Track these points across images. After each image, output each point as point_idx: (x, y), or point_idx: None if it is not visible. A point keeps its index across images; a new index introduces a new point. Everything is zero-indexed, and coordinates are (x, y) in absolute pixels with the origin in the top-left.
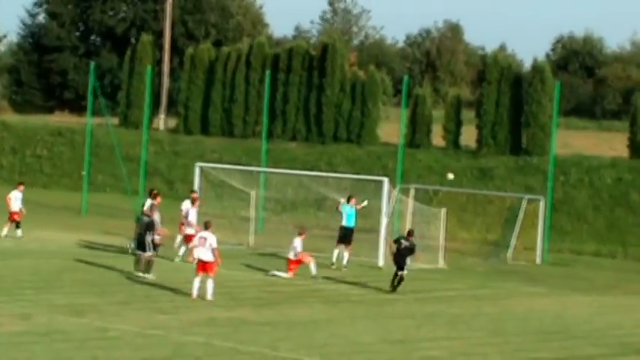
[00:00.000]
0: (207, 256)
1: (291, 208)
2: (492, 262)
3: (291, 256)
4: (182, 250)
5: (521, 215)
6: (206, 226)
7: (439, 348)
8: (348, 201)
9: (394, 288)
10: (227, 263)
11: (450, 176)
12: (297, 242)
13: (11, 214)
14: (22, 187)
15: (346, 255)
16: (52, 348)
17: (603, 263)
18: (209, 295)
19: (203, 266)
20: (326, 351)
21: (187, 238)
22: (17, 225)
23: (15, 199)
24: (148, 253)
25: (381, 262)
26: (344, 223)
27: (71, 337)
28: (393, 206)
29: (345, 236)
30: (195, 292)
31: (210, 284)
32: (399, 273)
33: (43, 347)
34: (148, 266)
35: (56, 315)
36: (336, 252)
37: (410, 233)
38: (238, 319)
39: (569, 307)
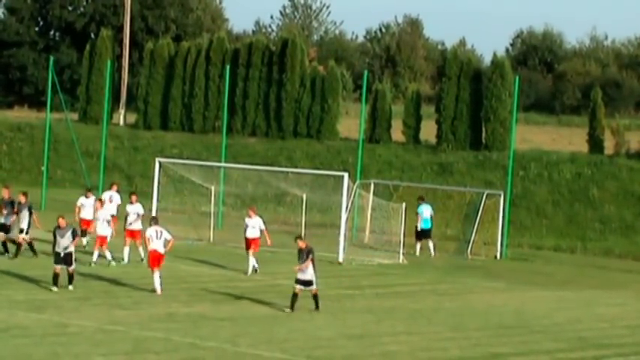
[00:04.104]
0: (161, 248)
1: (251, 203)
2: (453, 257)
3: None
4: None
5: (480, 210)
6: (156, 222)
7: (399, 343)
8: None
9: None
10: (186, 259)
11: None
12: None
13: (84, 222)
14: (90, 194)
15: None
16: (11, 343)
17: (562, 258)
18: (159, 290)
19: (157, 260)
20: (286, 346)
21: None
22: (84, 233)
23: (86, 205)
24: None
25: (340, 258)
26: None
27: (30, 332)
28: (352, 201)
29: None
30: (159, 288)
31: (157, 277)
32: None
33: (2, 343)
34: None
35: (15, 311)
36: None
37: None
38: (198, 315)
39: (529, 301)
